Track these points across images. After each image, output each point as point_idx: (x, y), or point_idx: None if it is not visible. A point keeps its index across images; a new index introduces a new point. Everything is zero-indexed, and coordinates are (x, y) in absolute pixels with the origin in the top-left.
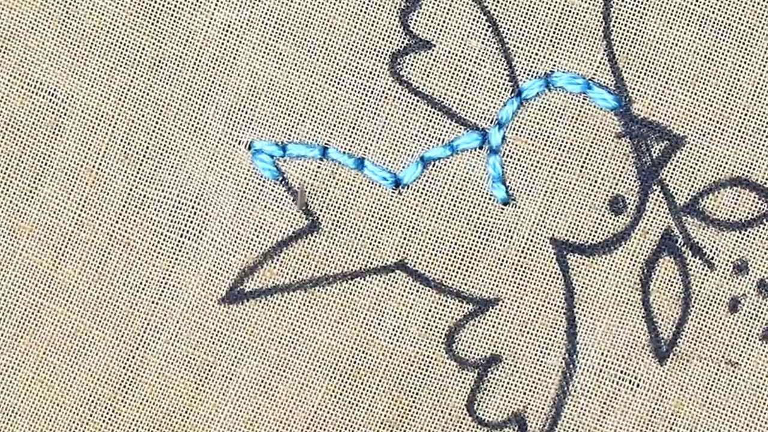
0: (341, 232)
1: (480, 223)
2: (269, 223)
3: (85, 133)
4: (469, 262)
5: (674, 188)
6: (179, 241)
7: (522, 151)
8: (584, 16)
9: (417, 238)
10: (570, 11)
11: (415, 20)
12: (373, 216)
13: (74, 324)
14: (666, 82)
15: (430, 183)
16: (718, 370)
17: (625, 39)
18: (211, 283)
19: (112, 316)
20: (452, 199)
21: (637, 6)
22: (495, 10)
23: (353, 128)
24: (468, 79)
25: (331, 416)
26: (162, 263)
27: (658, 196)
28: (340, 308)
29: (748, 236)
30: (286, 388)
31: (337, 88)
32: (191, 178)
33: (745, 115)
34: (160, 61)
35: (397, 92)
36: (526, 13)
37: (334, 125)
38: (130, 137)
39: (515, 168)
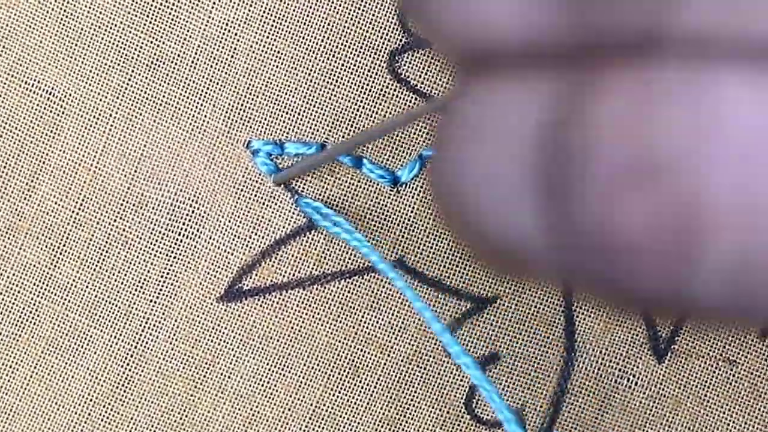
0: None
1: None
2: (267, 221)
3: (83, 132)
4: (468, 260)
5: None
6: (177, 240)
7: None
8: None
9: (415, 236)
10: None
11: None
12: (371, 214)
13: (72, 322)
14: None
15: (429, 181)
16: (716, 368)
17: None
18: (209, 281)
19: (110, 314)
20: None
21: None
22: None
23: (351, 126)
24: None
25: (329, 414)
26: (160, 262)
27: None
28: (339, 306)
29: None
30: (284, 386)
31: (335, 86)
32: (189, 177)
33: None
34: (158, 60)
35: (395, 90)
36: None
37: (332, 123)
38: (127, 136)
39: None
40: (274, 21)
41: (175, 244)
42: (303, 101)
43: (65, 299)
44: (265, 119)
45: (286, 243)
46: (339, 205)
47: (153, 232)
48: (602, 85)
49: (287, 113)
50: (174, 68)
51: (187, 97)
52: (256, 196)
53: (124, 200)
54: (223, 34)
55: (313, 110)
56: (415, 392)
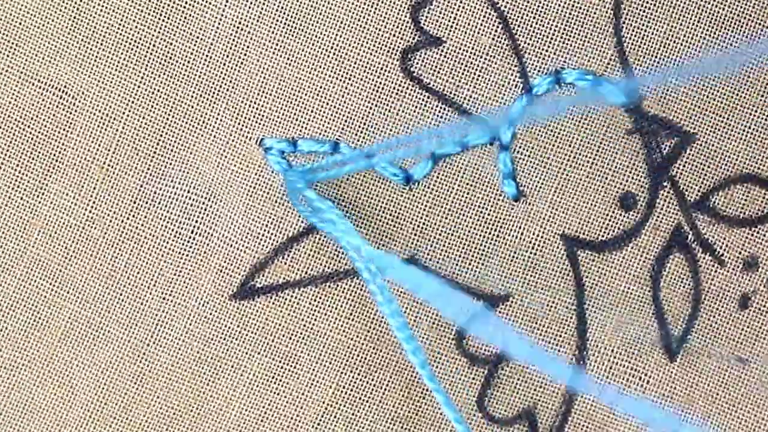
0: None
1: (490, 220)
2: (280, 219)
3: (95, 130)
4: (480, 258)
5: (684, 185)
6: (190, 238)
7: (532, 148)
8: (594, 13)
9: (428, 234)
10: (580, 7)
11: (426, 17)
12: (383, 212)
13: (85, 320)
14: (676, 79)
15: (441, 179)
16: (727, 367)
17: (635, 35)
18: (221, 279)
19: (122, 312)
20: (463, 196)
21: (647, 2)
22: (505, 6)
23: (364, 124)
24: (478, 76)
25: (341, 411)
26: (172, 259)
27: (669, 192)
28: (351, 304)
29: (758, 232)
30: (296, 383)
31: (347, 84)
32: (202, 175)
33: (755, 111)
34: (170, 58)
35: (407, 88)
36: (537, 10)
37: (345, 121)
38: (140, 134)
39: (525, 164)
40: (286, 20)
41: (188, 241)
42: (315, 99)
43: (78, 296)
44: (278, 117)
45: (298, 241)
46: (352, 203)
47: (165, 229)
48: None
49: (300, 111)
50: (186, 67)
51: (200, 96)
52: (268, 194)
53: (136, 198)
54: (236, 32)
55: (325, 108)
56: (428, 390)
